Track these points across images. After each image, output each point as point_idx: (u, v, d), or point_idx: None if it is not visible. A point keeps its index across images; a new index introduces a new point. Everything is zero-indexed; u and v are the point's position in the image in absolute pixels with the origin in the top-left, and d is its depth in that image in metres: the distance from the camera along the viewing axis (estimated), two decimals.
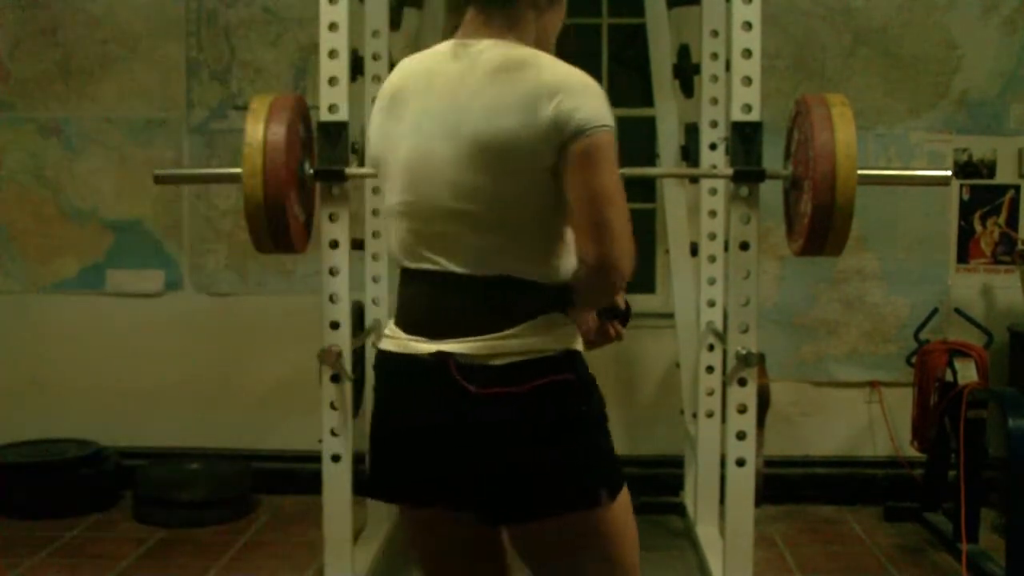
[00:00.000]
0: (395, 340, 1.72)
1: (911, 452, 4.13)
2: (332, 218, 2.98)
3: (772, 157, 3.01)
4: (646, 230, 4.33)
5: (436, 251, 1.67)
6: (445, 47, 1.74)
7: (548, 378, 1.63)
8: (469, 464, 1.64)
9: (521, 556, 1.80)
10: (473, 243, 1.64)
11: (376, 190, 1.86)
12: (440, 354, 1.63)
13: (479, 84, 1.64)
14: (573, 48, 1.83)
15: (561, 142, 1.59)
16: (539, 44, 1.73)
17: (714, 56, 3.55)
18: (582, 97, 1.61)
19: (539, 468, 1.63)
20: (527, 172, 1.62)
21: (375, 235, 3.65)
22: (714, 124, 3.54)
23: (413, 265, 1.70)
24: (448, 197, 1.64)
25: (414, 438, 1.68)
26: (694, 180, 3.76)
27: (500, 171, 1.62)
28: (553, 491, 1.64)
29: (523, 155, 1.60)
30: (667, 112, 3.90)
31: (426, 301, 1.69)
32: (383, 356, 1.76)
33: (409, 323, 1.71)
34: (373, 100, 3.81)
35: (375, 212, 3.66)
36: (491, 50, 1.68)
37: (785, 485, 4.22)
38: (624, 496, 1.76)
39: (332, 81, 2.94)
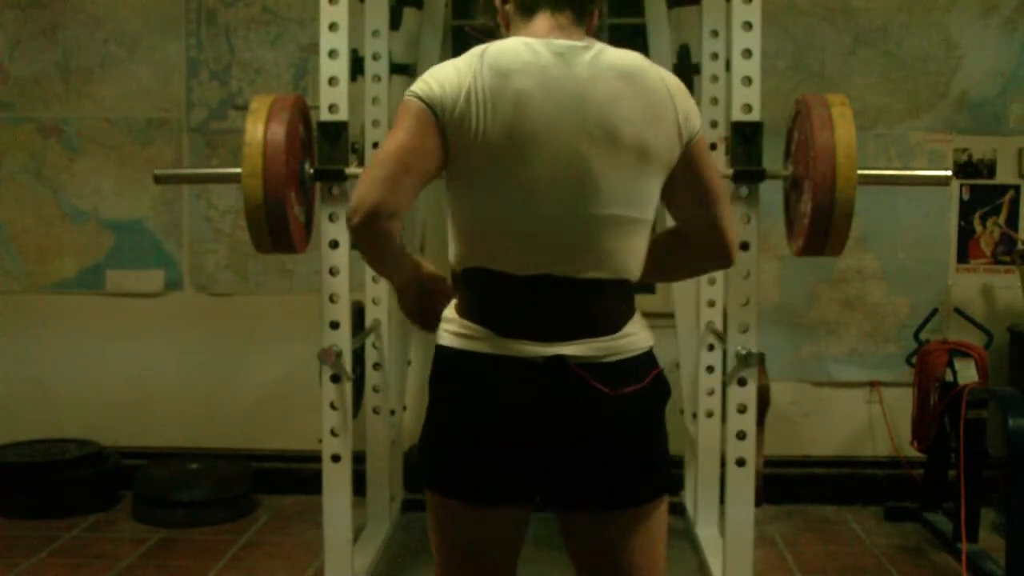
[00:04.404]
0: (483, 342, 1.68)
1: (911, 452, 4.13)
2: (332, 218, 2.98)
3: (772, 157, 3.01)
4: None
5: (557, 259, 1.67)
6: (539, 45, 1.68)
7: (655, 370, 1.74)
8: (584, 448, 1.68)
9: (584, 549, 1.80)
10: (603, 248, 1.68)
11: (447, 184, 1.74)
12: (558, 357, 1.65)
13: (615, 90, 1.66)
14: None
15: (683, 144, 1.71)
16: None
17: (714, 56, 3.55)
18: (688, 99, 1.74)
19: (649, 453, 1.74)
20: (662, 174, 1.72)
21: None
22: (714, 124, 3.54)
23: (521, 272, 1.67)
24: (594, 204, 1.65)
25: (518, 437, 1.67)
26: None
27: (647, 175, 1.69)
28: (655, 475, 1.76)
29: (664, 159, 1.70)
30: None
31: (536, 307, 1.67)
32: (465, 356, 1.70)
33: (506, 325, 1.68)
34: (374, 100, 3.84)
35: None
36: (607, 52, 1.70)
37: (785, 485, 4.22)
38: None
39: (332, 81, 2.94)
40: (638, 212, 1.70)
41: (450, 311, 1.78)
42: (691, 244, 1.84)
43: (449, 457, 1.73)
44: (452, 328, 1.74)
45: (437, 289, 1.84)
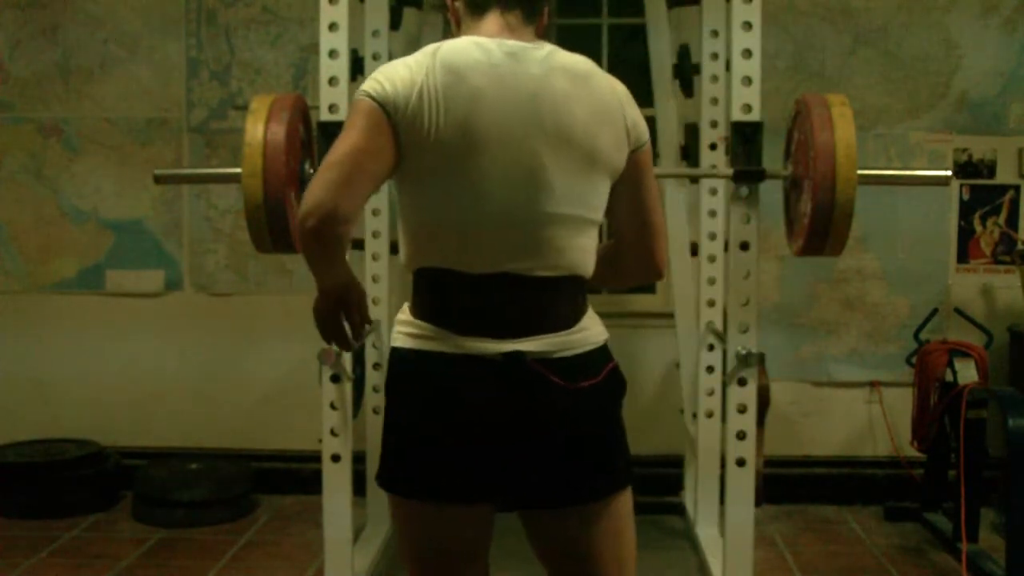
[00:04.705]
0: (439, 341, 1.68)
1: (911, 452, 4.13)
2: None
3: (772, 157, 3.01)
4: None
5: (510, 256, 1.67)
6: (490, 44, 1.68)
7: (611, 364, 1.77)
8: (544, 444, 1.69)
9: (548, 547, 1.81)
10: (554, 246, 1.68)
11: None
12: (515, 353, 1.66)
13: (566, 91, 1.68)
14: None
15: (630, 151, 1.75)
16: None
17: (714, 56, 3.55)
18: (635, 108, 1.77)
19: (609, 447, 1.77)
20: (609, 178, 1.74)
21: (375, 235, 3.66)
22: (714, 124, 3.54)
23: (474, 270, 1.67)
24: (541, 202, 1.66)
25: (477, 434, 1.68)
26: (694, 180, 3.76)
27: (595, 177, 1.71)
28: (616, 468, 1.78)
29: (611, 162, 1.72)
30: (667, 112, 3.90)
31: (491, 304, 1.68)
32: (423, 355, 1.70)
33: (462, 324, 1.68)
34: None
35: (375, 212, 3.66)
36: (558, 54, 1.72)
37: (785, 485, 4.22)
38: None
39: (332, 81, 2.94)
40: (588, 212, 1.71)
41: (404, 314, 1.77)
42: (621, 254, 1.85)
43: (408, 458, 1.73)
44: (407, 329, 1.73)
45: (355, 301, 1.72)
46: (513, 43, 1.70)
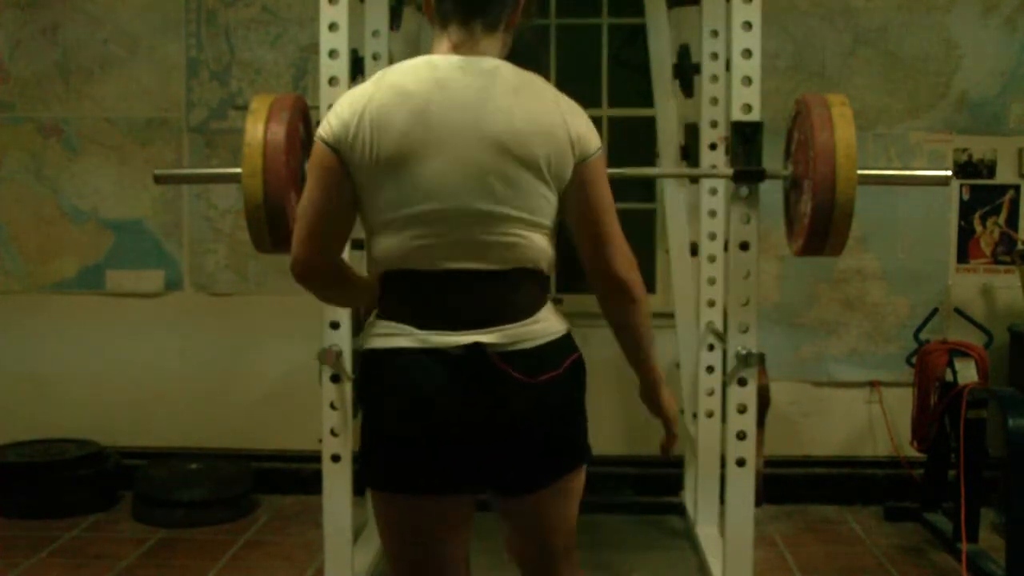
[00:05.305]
0: (404, 337, 1.78)
1: (911, 452, 4.13)
2: None
3: (772, 157, 3.01)
4: (646, 230, 4.33)
5: (463, 252, 1.78)
6: (441, 60, 1.81)
7: (574, 355, 1.86)
8: (513, 441, 1.80)
9: (513, 521, 1.94)
10: (502, 241, 1.78)
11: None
12: (475, 345, 1.74)
13: (507, 102, 1.77)
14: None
15: (575, 160, 1.80)
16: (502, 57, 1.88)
17: (714, 56, 3.55)
18: (584, 120, 1.84)
19: (573, 434, 1.88)
20: (553, 186, 1.80)
21: None
22: (714, 124, 3.54)
23: (431, 268, 1.78)
24: (485, 202, 1.76)
25: (445, 426, 1.77)
26: (694, 180, 3.76)
27: (536, 184, 1.78)
28: (578, 451, 1.89)
29: (553, 172, 1.79)
30: (667, 112, 3.90)
31: (449, 298, 1.78)
32: (390, 353, 1.79)
33: (424, 319, 1.78)
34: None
35: None
36: (503, 68, 1.82)
37: (785, 485, 4.21)
38: None
39: (332, 81, 2.94)
40: (532, 215, 1.80)
41: (372, 317, 1.88)
42: (587, 273, 1.89)
43: (382, 455, 1.84)
44: (373, 331, 1.84)
45: None
46: (462, 58, 1.81)
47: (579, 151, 1.81)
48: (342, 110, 1.78)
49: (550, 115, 1.79)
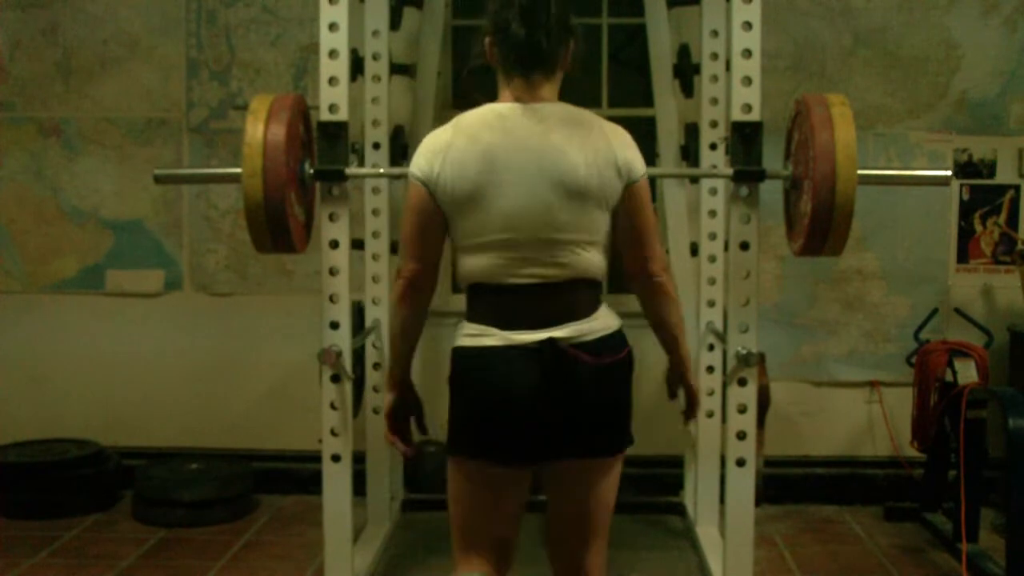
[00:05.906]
0: (491, 337, 2.12)
1: (911, 452, 4.13)
2: (332, 218, 2.99)
3: (772, 157, 3.01)
4: None
5: (533, 269, 2.12)
6: (506, 108, 2.15)
7: (628, 347, 2.21)
8: (581, 412, 2.12)
9: (565, 488, 2.21)
10: (567, 260, 2.13)
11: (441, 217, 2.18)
12: (549, 339, 2.09)
13: (563, 142, 2.10)
14: None
15: (624, 185, 2.14)
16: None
17: (714, 56, 3.55)
18: (632, 150, 2.17)
19: (625, 416, 2.21)
20: (605, 208, 2.14)
21: (375, 235, 3.66)
22: (714, 124, 3.54)
23: (508, 282, 2.13)
24: (549, 231, 2.11)
25: (528, 407, 2.09)
26: (694, 180, 3.76)
27: (590, 209, 2.12)
28: (627, 434, 2.23)
29: (605, 197, 2.13)
30: (667, 112, 3.90)
31: (524, 305, 2.13)
32: (479, 350, 2.13)
33: (506, 322, 2.12)
34: (374, 100, 3.85)
35: (375, 212, 3.66)
36: (558, 110, 2.15)
37: (785, 485, 4.22)
38: None
39: (332, 81, 2.94)
40: (589, 236, 2.14)
41: (462, 321, 2.20)
42: (625, 273, 2.23)
43: (469, 430, 2.17)
44: (465, 331, 2.18)
45: (414, 404, 2.31)
46: (523, 106, 2.15)
47: (627, 175, 2.14)
48: (430, 151, 2.13)
49: (600, 148, 2.11)
